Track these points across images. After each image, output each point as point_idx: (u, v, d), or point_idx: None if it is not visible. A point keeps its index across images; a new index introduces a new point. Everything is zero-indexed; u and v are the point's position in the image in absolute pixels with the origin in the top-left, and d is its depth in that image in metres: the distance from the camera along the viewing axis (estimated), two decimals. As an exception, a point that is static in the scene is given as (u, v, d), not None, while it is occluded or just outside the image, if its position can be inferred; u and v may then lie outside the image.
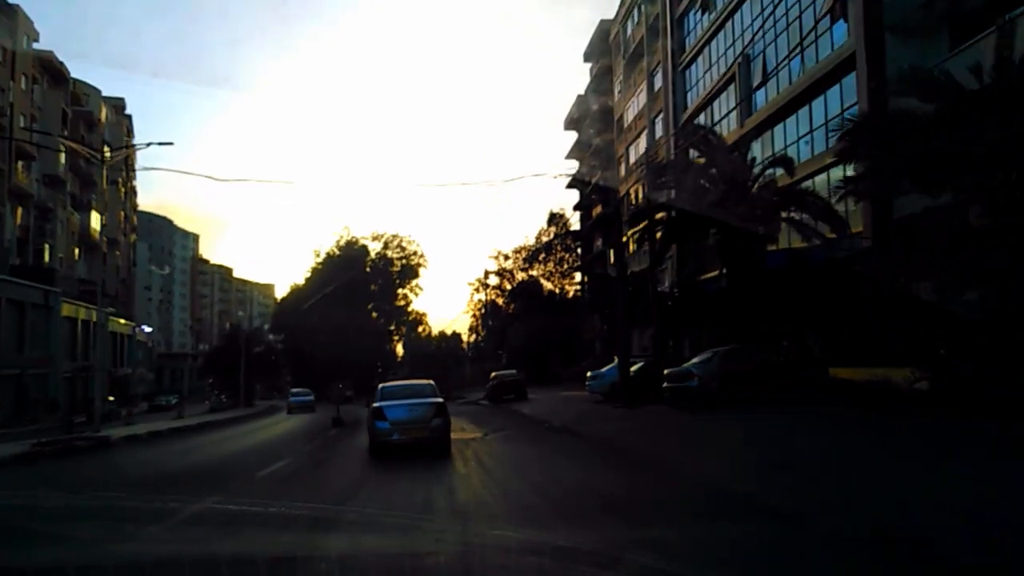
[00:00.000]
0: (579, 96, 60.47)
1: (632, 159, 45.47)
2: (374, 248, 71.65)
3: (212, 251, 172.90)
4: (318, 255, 71.24)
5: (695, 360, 18.97)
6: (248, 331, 62.92)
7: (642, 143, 43.15)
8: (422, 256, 71.58)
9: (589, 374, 27.34)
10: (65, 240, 54.04)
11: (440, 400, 14.91)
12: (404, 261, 71.54)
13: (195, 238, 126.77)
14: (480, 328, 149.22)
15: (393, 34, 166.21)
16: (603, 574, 4.40)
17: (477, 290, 75.81)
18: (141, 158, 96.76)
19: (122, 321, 59.54)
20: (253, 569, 4.49)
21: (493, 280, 74.20)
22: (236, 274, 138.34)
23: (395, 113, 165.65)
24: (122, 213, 72.23)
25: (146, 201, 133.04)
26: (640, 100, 43.82)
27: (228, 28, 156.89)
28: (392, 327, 73.80)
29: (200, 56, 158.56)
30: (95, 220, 60.08)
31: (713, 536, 6.20)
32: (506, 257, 73.19)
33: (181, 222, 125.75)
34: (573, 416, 20.28)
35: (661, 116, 39.12)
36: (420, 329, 74.58)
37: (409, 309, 73.70)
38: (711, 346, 20.41)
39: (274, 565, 4.61)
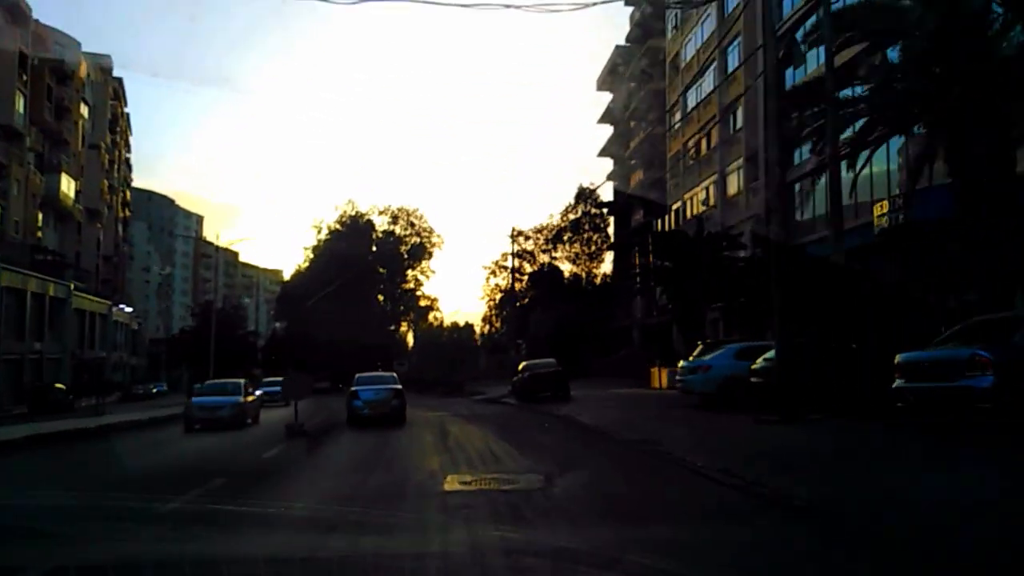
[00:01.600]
0: (617, 47, 51.43)
1: (693, 103, 36.39)
2: (381, 224, 62.88)
3: (218, 236, 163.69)
4: (319, 230, 62.59)
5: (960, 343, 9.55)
6: (227, 309, 53.33)
7: (707, 83, 34.12)
8: (435, 234, 62.69)
9: (683, 364, 18.41)
10: (22, 202, 45.55)
11: (399, 387, 20.38)
12: (415, 239, 62.64)
13: (199, 219, 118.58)
14: (495, 318, 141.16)
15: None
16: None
17: (494, 273, 66.98)
18: (144, 145, 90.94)
19: (94, 299, 51.04)
20: None
21: (512, 263, 65.33)
22: (243, 259, 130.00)
23: (402, 84, 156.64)
24: (106, 183, 63.75)
25: (148, 182, 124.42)
26: (705, 31, 34.74)
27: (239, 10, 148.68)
28: (401, 310, 64.98)
29: (205, 51, 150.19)
30: (66, 184, 51.54)
31: None
32: (526, 237, 64.36)
33: (185, 205, 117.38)
34: (696, 438, 11.28)
35: (740, 40, 29.98)
36: (431, 316, 65.68)
37: (419, 293, 64.85)
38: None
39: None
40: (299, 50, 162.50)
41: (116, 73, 69.60)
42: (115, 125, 68.99)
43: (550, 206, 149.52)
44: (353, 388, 19.45)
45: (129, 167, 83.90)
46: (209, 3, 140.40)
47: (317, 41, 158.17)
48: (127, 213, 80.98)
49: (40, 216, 49.41)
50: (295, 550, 3.78)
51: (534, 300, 65.14)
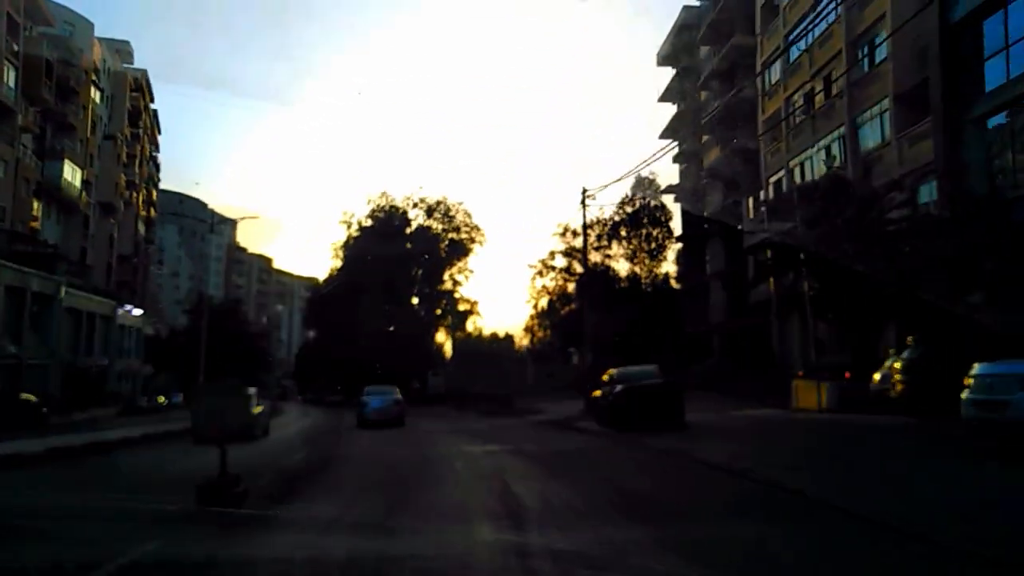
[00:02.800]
0: (685, 8, 43.66)
1: (798, 50, 28.43)
2: (416, 218, 55.65)
3: (252, 243, 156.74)
4: (348, 226, 55.58)
5: None
6: (226, 304, 45.52)
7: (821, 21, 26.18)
8: (476, 229, 55.18)
9: (980, 374, 10.18)
10: (12, 187, 39.41)
11: (399, 398, 25.60)
12: (453, 235, 55.23)
13: (232, 224, 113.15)
14: (537, 327, 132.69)
15: None
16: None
17: (540, 273, 59.00)
18: (175, 151, 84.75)
19: (95, 298, 44.68)
20: None
21: (560, 262, 57.61)
22: (277, 265, 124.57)
23: (429, 85, 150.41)
24: (123, 177, 57.80)
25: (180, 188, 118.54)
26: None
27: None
28: (438, 314, 57.58)
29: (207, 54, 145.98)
30: (70, 172, 45.50)
31: None
32: (576, 234, 56.59)
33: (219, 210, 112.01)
34: None
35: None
36: (471, 322, 58.10)
37: (457, 295, 57.37)
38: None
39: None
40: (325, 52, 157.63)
41: (144, 75, 64.27)
42: (137, 118, 63.23)
43: (602, 200, 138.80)
44: (363, 398, 24.95)
45: (156, 166, 78.48)
46: (209, 7, 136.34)
47: (339, 42, 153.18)
48: (152, 213, 75.41)
49: (37, 205, 43.39)
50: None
51: (587, 303, 57.34)
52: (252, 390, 18.75)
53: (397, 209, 54.39)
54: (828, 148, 26.12)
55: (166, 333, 46.44)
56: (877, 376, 15.77)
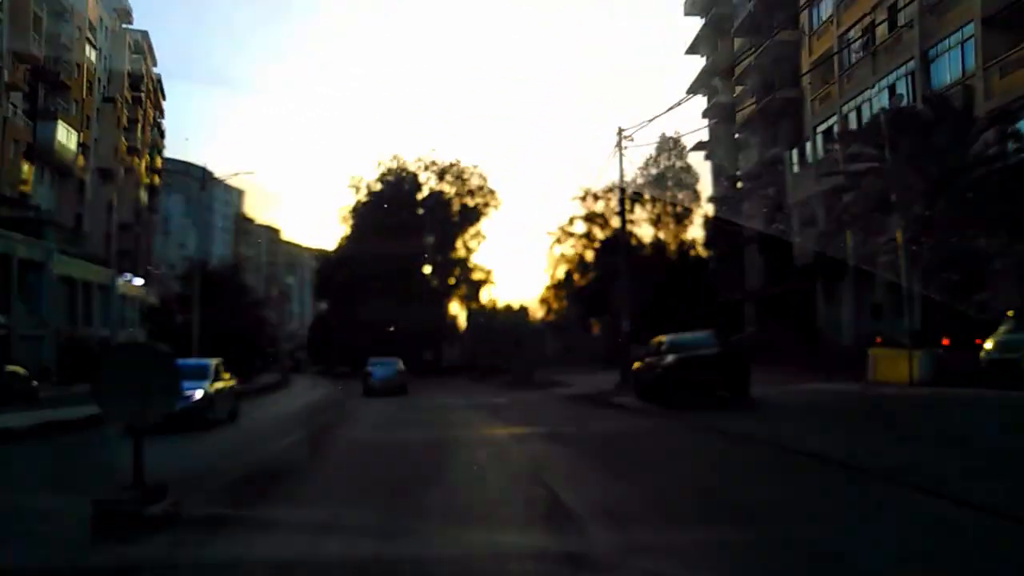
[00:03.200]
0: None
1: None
2: (428, 181, 52.67)
3: (260, 214, 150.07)
4: (357, 190, 52.73)
5: None
6: (219, 269, 41.63)
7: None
8: (491, 193, 52.13)
9: None
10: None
11: (402, 368, 27.16)
12: (467, 199, 52.31)
13: (239, 194, 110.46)
14: (553, 297, 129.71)
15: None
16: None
17: (559, 240, 55.98)
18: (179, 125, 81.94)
19: (92, 266, 42.29)
20: None
21: (579, 228, 54.68)
22: (285, 237, 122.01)
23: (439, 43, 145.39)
24: (124, 142, 55.10)
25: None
26: None
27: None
28: (451, 284, 54.92)
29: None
30: (64, 134, 42.75)
31: None
32: (596, 197, 53.58)
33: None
34: None
35: None
36: (485, 290, 55.37)
37: (471, 264, 54.55)
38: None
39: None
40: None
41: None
42: (139, 82, 60.32)
43: (640, 140, 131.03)
44: (368, 369, 26.27)
45: (161, 132, 75.89)
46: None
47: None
48: (155, 181, 72.91)
49: (28, 168, 40.81)
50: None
51: (608, 271, 54.44)
52: (215, 361, 16.11)
53: (408, 172, 51.43)
54: (892, 87, 22.93)
55: (158, 302, 44.07)
56: (989, 343, 12.90)
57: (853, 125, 24.81)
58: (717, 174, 41.91)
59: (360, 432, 13.17)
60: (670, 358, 13.30)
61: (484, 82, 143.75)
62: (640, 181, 52.39)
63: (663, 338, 14.52)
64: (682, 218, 52.20)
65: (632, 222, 53.83)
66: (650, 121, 54.59)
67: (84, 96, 43.89)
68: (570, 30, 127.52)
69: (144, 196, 64.42)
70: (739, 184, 38.35)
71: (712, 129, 41.65)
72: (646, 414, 13.45)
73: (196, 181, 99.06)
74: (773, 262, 32.82)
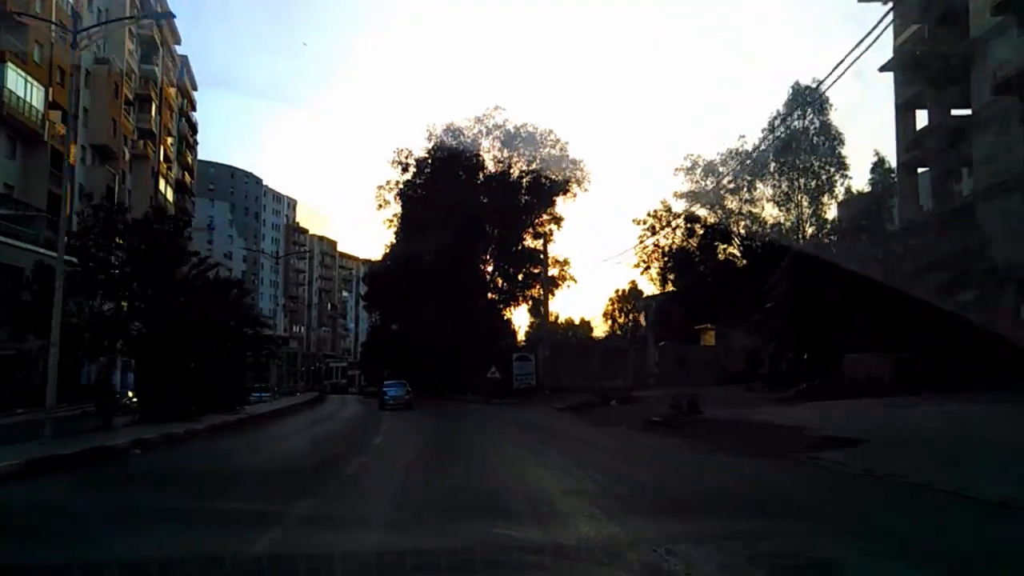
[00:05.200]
0: None
1: None
2: (489, 150, 40.79)
3: (314, 225, 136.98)
4: (404, 167, 41.46)
5: None
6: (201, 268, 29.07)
7: None
8: (575, 164, 39.86)
9: None
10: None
11: (409, 389, 31.48)
12: (544, 176, 40.08)
13: (291, 203, 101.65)
14: (617, 315, 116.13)
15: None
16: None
17: (652, 229, 43.13)
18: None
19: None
20: None
21: (679, 206, 41.99)
22: (341, 249, 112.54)
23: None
24: (127, 119, 45.06)
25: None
26: None
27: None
28: (520, 281, 42.86)
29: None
30: (18, 84, 32.13)
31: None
32: (708, 171, 40.72)
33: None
34: None
35: None
36: (560, 286, 42.41)
37: (547, 254, 42.37)
38: None
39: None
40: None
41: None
42: (151, 54, 50.85)
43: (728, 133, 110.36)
44: (383, 389, 32.06)
45: (191, 126, 66.76)
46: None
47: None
48: (187, 179, 63.66)
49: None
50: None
51: (720, 266, 41.45)
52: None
53: (465, 138, 39.69)
54: None
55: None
56: None
57: None
58: (905, 104, 28.45)
59: None
60: None
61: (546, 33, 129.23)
62: (763, 148, 39.61)
63: None
64: (817, 195, 39.13)
65: (750, 201, 41.14)
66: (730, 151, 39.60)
67: (52, 41, 33.64)
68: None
69: (170, 192, 54.68)
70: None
71: (898, 48, 28.32)
72: None
73: (246, 186, 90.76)
74: None
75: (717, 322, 37.63)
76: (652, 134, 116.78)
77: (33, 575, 4.57)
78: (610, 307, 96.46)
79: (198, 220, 73.81)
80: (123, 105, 44.10)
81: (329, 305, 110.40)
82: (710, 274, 40.73)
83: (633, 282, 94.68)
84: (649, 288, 49.66)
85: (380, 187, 42.04)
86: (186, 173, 63.60)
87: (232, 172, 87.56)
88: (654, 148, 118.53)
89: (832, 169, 38.37)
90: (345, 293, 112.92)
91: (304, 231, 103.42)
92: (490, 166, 40.17)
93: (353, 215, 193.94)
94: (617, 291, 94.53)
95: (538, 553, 5.11)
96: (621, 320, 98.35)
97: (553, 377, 33.10)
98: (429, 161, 40.32)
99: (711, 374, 32.64)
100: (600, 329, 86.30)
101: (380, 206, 41.86)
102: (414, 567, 4.66)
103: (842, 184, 38.49)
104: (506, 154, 39.96)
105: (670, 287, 43.35)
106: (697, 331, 40.79)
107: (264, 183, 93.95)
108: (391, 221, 45.61)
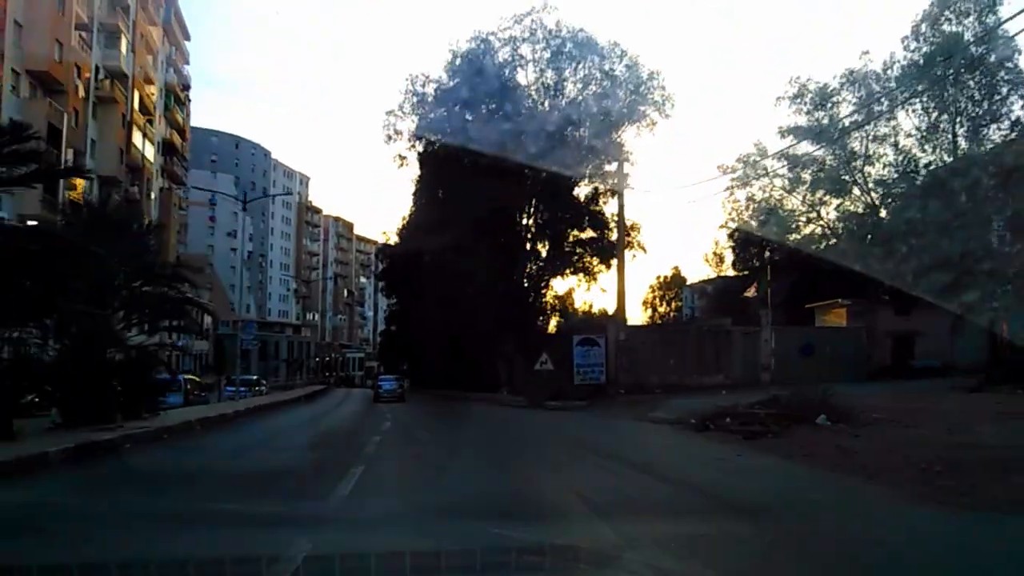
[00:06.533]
0: None
1: None
2: (532, 69, 30.47)
3: (329, 204, 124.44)
4: (418, 100, 31.46)
5: None
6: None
7: None
8: (649, 84, 29.27)
9: None
10: None
11: (402, 381, 35.36)
12: (603, 100, 29.57)
13: (304, 180, 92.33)
14: (658, 303, 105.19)
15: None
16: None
17: (743, 183, 32.32)
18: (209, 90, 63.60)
19: None
20: None
21: (777, 144, 31.32)
22: (358, 231, 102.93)
23: None
24: (79, 44, 35.75)
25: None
26: None
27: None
28: (573, 254, 32.86)
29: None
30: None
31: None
32: (825, 96, 30.01)
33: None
34: None
35: None
36: (632, 254, 31.66)
37: (604, 216, 32.40)
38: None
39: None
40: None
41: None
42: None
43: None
44: (377, 382, 35.32)
45: (184, 83, 57.52)
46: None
47: None
48: (176, 141, 54.43)
49: None
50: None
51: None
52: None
53: (497, 53, 29.28)
54: None
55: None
56: None
57: None
58: None
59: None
60: None
61: None
62: (904, 62, 29.04)
63: None
64: (981, 124, 28.47)
65: (881, 138, 30.60)
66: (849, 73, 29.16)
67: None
68: None
69: (145, 148, 45.25)
70: None
71: None
72: None
73: (253, 158, 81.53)
74: None
75: (850, 298, 27.17)
76: (745, 53, 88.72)
77: None
78: (650, 295, 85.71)
79: (197, 195, 64.85)
80: (73, 28, 34.71)
81: (345, 291, 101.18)
82: (826, 236, 30.30)
83: (676, 268, 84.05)
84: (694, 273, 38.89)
85: (389, 112, 31.92)
86: (175, 134, 54.36)
87: (237, 142, 78.33)
88: (747, 72, 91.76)
89: (1006, 89, 27.69)
90: (363, 279, 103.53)
91: (318, 210, 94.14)
92: (532, 87, 29.87)
93: (371, 197, 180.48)
94: (658, 278, 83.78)
95: None
96: (662, 309, 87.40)
97: (631, 371, 22.92)
98: (449, 83, 30.12)
99: (848, 367, 22.76)
100: (636, 321, 75.81)
101: (389, 138, 31.76)
102: None
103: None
104: (553, 75, 29.55)
105: (767, 255, 32.95)
106: (811, 310, 30.37)
107: (273, 156, 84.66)
108: (403, 159, 34.95)
